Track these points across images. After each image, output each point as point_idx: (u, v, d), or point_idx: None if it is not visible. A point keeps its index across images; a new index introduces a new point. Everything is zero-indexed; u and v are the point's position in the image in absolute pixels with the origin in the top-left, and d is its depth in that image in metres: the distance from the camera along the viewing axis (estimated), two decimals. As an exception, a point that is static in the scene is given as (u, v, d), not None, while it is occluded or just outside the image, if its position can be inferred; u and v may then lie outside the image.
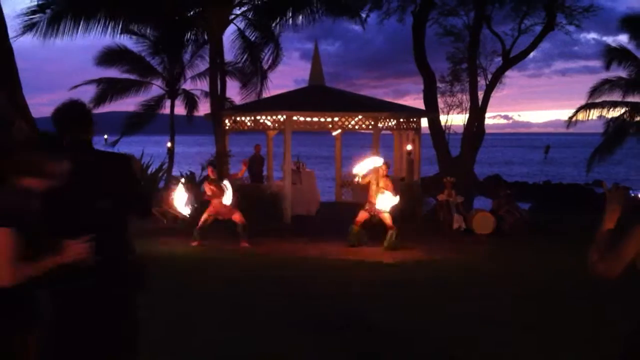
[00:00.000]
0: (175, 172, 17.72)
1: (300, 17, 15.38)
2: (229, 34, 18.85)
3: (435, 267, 9.62)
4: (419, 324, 6.28)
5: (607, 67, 18.85)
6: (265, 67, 16.70)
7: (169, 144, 18.53)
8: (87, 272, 3.12)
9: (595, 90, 19.17)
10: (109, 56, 19.28)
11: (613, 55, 18.75)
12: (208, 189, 11.21)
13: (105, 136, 51.75)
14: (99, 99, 19.54)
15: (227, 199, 11.02)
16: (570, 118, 19.77)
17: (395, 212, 11.23)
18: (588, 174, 20.55)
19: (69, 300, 3.20)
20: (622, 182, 20.41)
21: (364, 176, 11.13)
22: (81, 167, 3.23)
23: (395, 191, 11.17)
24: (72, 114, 3.41)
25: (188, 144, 73.76)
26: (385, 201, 10.91)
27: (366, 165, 11.03)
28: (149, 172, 13.91)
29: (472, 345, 5.62)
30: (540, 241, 12.06)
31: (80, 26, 13.75)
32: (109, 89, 19.69)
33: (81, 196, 3.24)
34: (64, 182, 3.12)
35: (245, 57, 16.90)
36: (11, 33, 11.81)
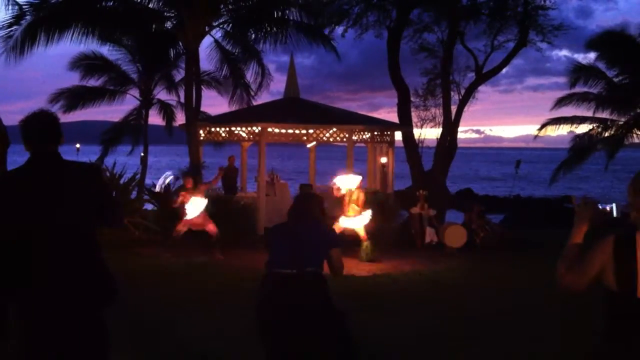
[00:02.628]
0: (147, 181, 17.56)
1: (275, 30, 15.40)
2: (205, 46, 18.75)
3: (406, 279, 9.66)
4: (394, 335, 6.29)
5: (572, 85, 19.17)
6: (253, 87, 16.91)
7: (142, 154, 18.38)
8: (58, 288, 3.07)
9: (561, 101, 19.40)
10: (84, 64, 19.13)
11: (580, 74, 19.02)
12: (182, 196, 11.08)
13: (78, 145, 50.96)
14: (70, 107, 19.36)
15: (195, 209, 10.91)
16: (539, 130, 20.04)
17: (369, 224, 11.28)
18: (550, 187, 20.80)
19: (38, 315, 3.14)
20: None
21: (338, 189, 11.24)
22: (44, 180, 3.16)
23: (367, 205, 11.28)
24: (37, 125, 3.28)
25: (163, 154, 73.11)
26: (357, 221, 11.04)
27: (347, 180, 11.18)
28: (121, 182, 13.73)
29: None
30: (510, 254, 12.17)
31: (56, 36, 13.55)
32: (81, 97, 19.53)
33: (44, 210, 3.12)
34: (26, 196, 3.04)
35: (224, 69, 16.96)
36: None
